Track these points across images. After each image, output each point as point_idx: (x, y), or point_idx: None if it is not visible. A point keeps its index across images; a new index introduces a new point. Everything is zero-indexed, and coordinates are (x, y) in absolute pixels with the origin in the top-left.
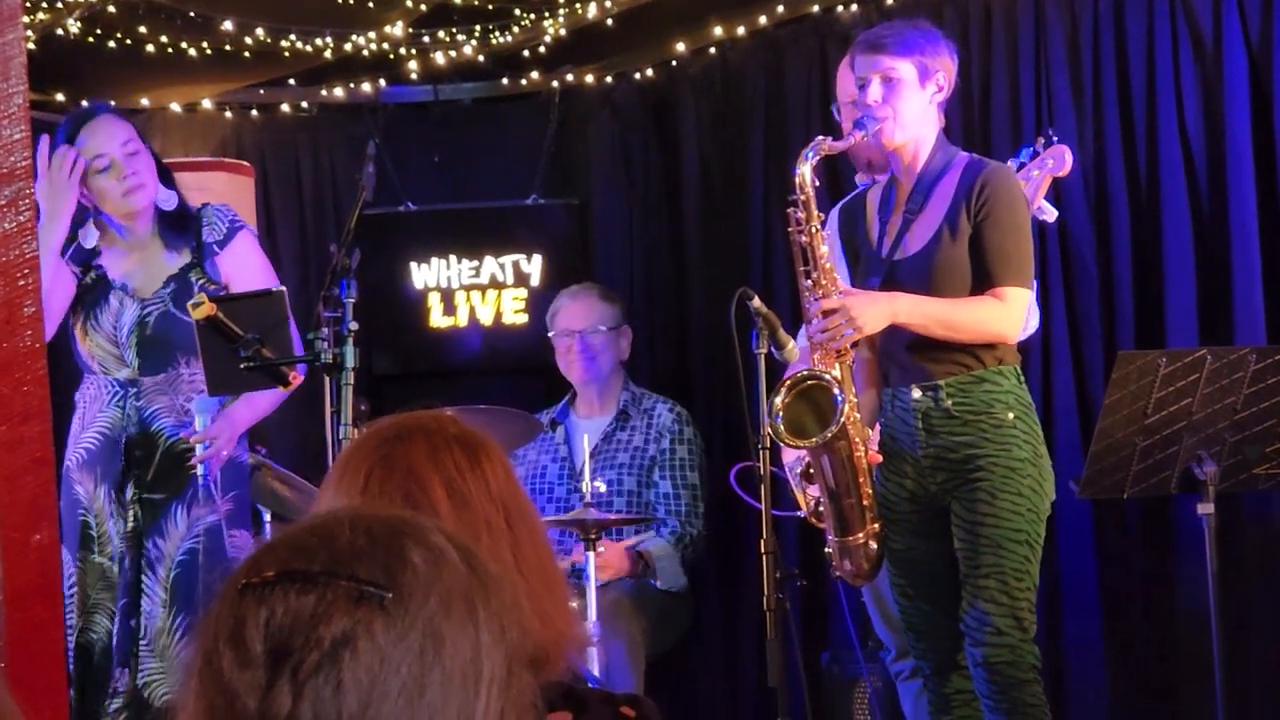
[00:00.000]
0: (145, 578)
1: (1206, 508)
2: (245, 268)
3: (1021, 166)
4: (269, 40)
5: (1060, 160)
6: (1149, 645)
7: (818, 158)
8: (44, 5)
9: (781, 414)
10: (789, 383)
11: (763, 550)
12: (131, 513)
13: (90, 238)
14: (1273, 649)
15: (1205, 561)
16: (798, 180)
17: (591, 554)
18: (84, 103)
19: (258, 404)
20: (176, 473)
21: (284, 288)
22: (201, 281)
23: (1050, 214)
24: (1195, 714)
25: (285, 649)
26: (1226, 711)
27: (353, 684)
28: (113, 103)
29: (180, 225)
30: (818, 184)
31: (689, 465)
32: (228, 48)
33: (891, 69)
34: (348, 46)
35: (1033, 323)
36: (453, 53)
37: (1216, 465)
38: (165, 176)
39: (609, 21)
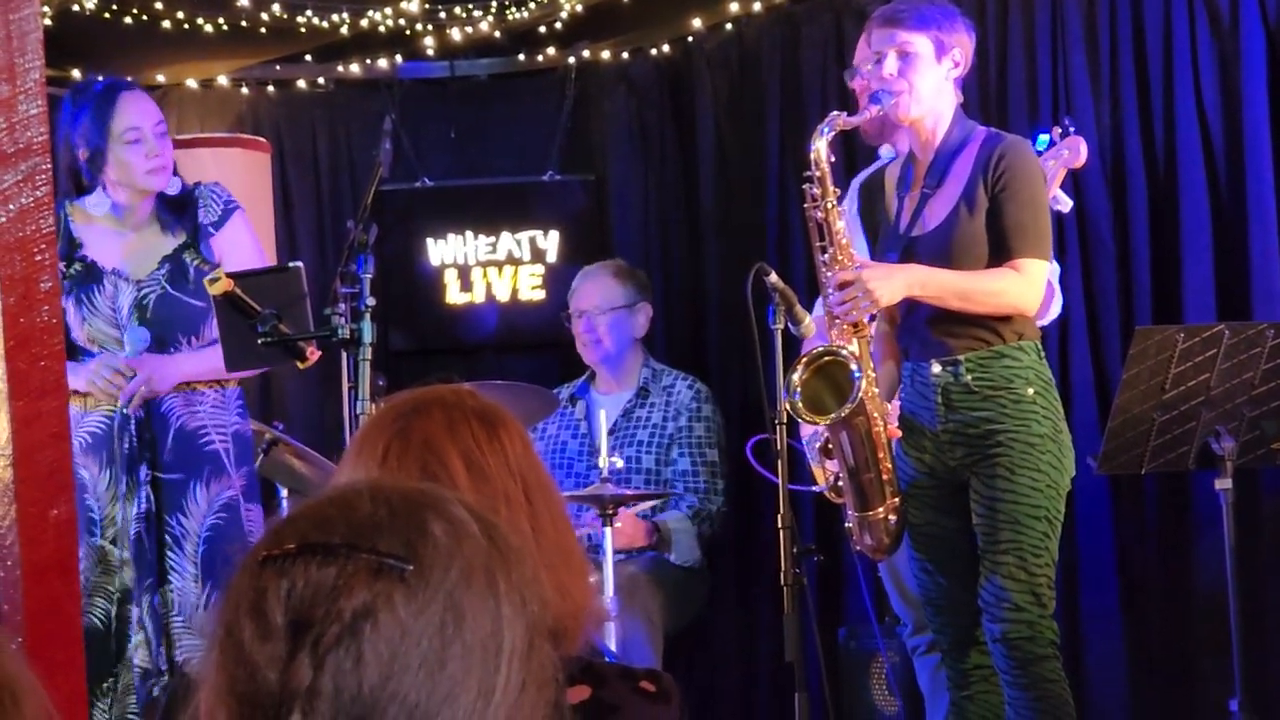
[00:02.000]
0: (172, 554)
1: (1224, 483)
2: (238, 247)
3: (1038, 156)
4: (285, 16)
5: (1076, 151)
6: (1167, 621)
7: (833, 133)
8: None
9: (800, 390)
10: (806, 359)
11: (780, 525)
12: (145, 493)
13: (102, 205)
14: None
15: (1223, 537)
16: (813, 156)
17: (609, 529)
18: (98, 77)
19: (205, 363)
20: (190, 451)
21: (300, 264)
22: (196, 263)
23: (1065, 204)
24: (1213, 689)
25: (306, 621)
26: (1244, 686)
27: (373, 656)
28: (130, 79)
29: (179, 208)
30: (833, 159)
31: (707, 442)
32: (244, 23)
33: (907, 43)
34: (364, 22)
35: (1056, 306)
36: (469, 28)
37: (1234, 441)
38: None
39: None
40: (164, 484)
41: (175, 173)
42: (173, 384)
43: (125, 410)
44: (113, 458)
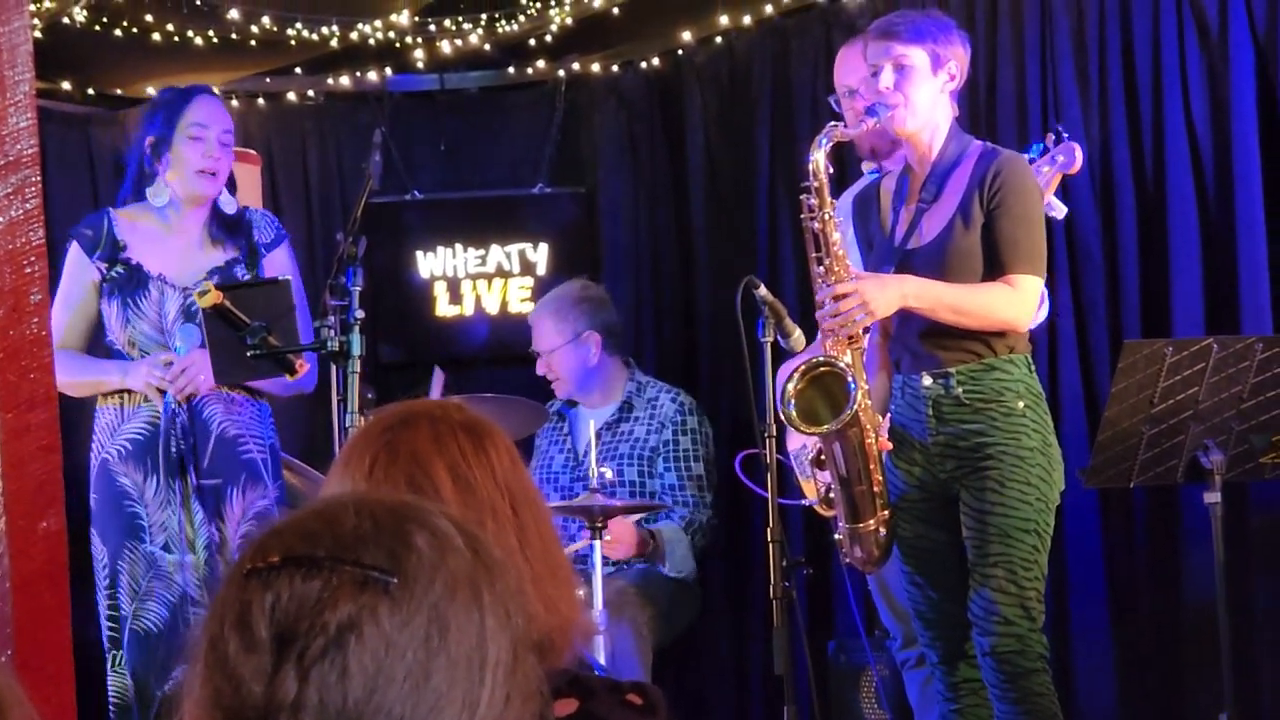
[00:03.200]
0: (214, 561)
1: (1213, 497)
2: (285, 273)
3: (1031, 162)
4: (275, 29)
5: (1070, 157)
6: (1156, 634)
7: (831, 144)
8: None
9: (794, 401)
10: (801, 369)
11: (769, 539)
12: (194, 499)
13: (162, 195)
14: (1279, 637)
15: (1211, 550)
16: (811, 167)
17: (597, 541)
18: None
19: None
20: (229, 458)
21: (290, 277)
22: (249, 277)
23: (1060, 210)
24: (1202, 702)
25: (291, 634)
26: (1233, 699)
27: (358, 669)
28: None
29: (233, 227)
30: (831, 171)
31: (693, 455)
32: (234, 36)
33: (903, 56)
34: (354, 35)
35: (1042, 313)
36: (459, 41)
37: (1223, 454)
38: (231, 184)
39: (615, 10)
40: (205, 490)
41: (232, 192)
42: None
43: (175, 405)
44: (157, 464)
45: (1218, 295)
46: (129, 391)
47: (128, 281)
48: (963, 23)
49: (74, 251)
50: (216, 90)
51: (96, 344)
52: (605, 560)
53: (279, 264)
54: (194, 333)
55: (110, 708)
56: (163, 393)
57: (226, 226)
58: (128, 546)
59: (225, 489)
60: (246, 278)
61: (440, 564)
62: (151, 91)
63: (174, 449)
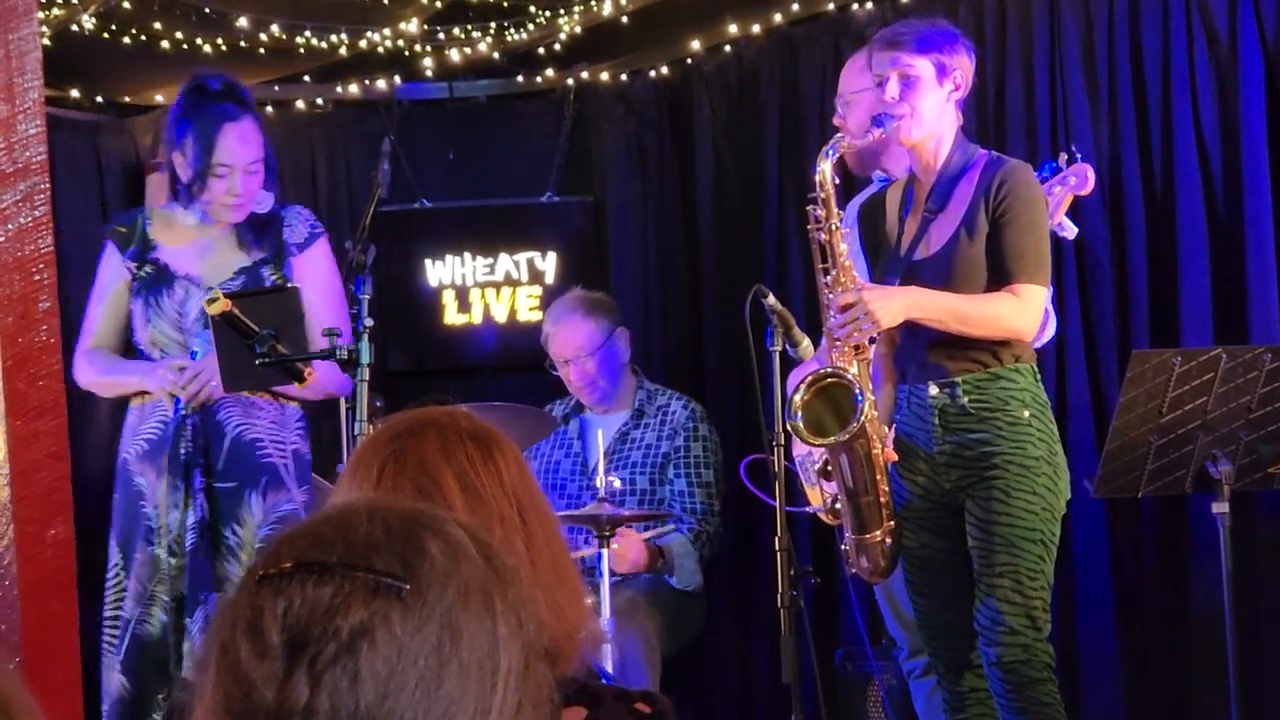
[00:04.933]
0: (228, 564)
1: (1221, 507)
2: (319, 271)
3: (1043, 182)
4: (284, 37)
5: (1083, 179)
6: (1163, 645)
7: (838, 155)
8: (59, 1)
9: (801, 411)
10: (809, 380)
11: (777, 548)
12: (200, 501)
13: (192, 216)
14: None
15: (1220, 561)
16: (818, 178)
17: (605, 550)
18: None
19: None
20: (247, 460)
21: (298, 285)
22: (275, 278)
23: (1071, 231)
24: (1209, 714)
25: (303, 640)
26: (1240, 711)
27: (370, 675)
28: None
29: (261, 228)
30: (838, 181)
31: (704, 463)
32: (242, 44)
33: (910, 66)
34: (363, 43)
35: (1050, 329)
36: (468, 50)
37: (1231, 464)
38: (271, 179)
39: (624, 19)
40: (218, 493)
41: (273, 189)
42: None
43: (184, 410)
44: (168, 465)
45: (1226, 305)
46: (149, 391)
47: (154, 280)
48: (971, 33)
49: (108, 249)
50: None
51: (130, 344)
52: (612, 572)
53: (310, 264)
54: (209, 339)
55: (104, 712)
56: (175, 396)
57: (257, 227)
58: (138, 549)
59: (243, 492)
60: (271, 280)
61: (453, 571)
62: (161, 99)
63: (182, 451)
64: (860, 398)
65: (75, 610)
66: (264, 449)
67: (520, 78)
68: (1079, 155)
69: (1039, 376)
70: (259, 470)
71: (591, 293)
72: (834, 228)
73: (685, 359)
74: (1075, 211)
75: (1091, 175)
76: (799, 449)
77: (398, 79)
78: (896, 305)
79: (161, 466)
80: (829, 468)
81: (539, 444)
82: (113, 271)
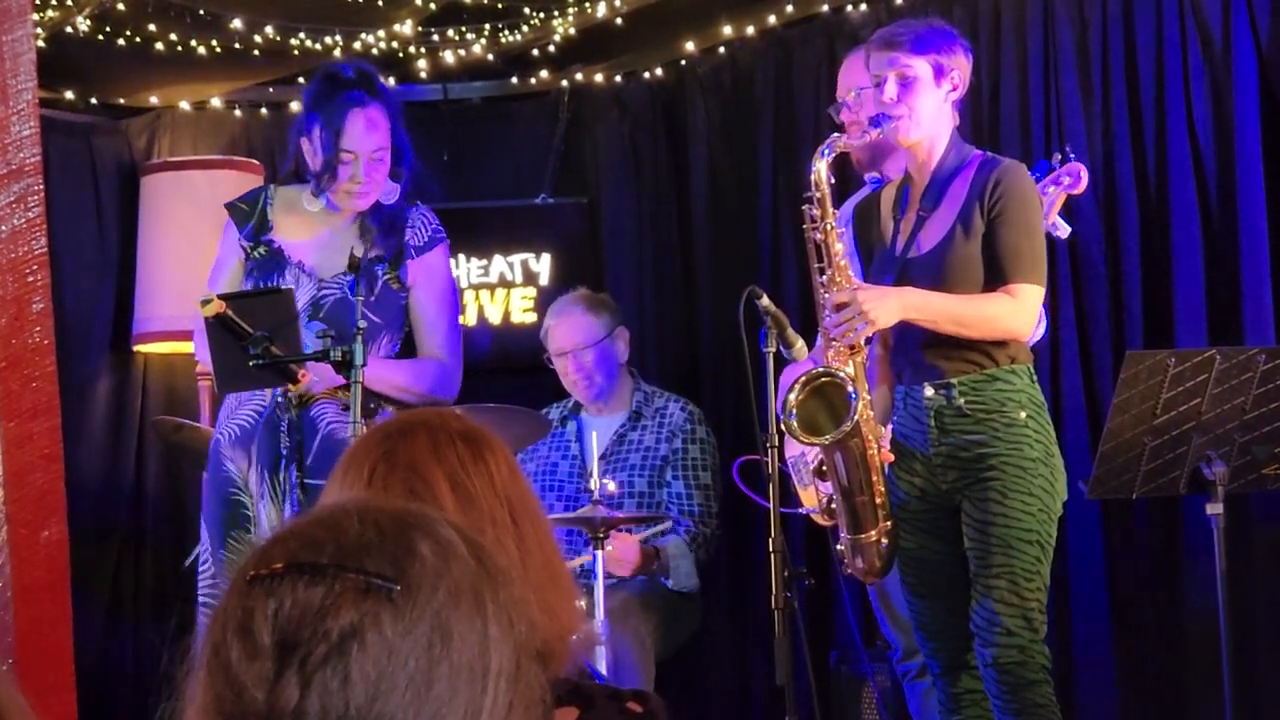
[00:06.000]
0: None
1: (1215, 508)
2: (436, 277)
3: (1036, 182)
4: (278, 38)
5: (1076, 178)
6: (1158, 646)
7: (833, 155)
8: (54, 2)
9: (795, 411)
10: (803, 379)
11: (771, 549)
12: (296, 496)
13: (316, 203)
14: None
15: (1214, 562)
16: (813, 177)
17: (600, 552)
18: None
19: (378, 371)
20: (336, 458)
21: (292, 287)
22: (388, 278)
23: (1064, 230)
24: (1204, 714)
25: (293, 641)
26: (1235, 712)
27: (360, 676)
28: (386, 83)
29: (389, 223)
30: (833, 181)
31: (701, 465)
32: (237, 46)
33: (907, 67)
34: (357, 45)
35: (1039, 331)
36: (462, 51)
37: (1225, 466)
38: (402, 166)
39: (618, 21)
40: (309, 489)
41: (399, 180)
42: (331, 385)
43: (279, 399)
44: (261, 455)
45: (1220, 306)
46: None
47: (267, 263)
48: (966, 33)
49: (228, 225)
50: (218, 101)
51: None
52: (608, 575)
53: (431, 267)
54: (316, 330)
55: None
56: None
57: (384, 221)
58: (233, 535)
59: None
60: (385, 279)
61: (444, 572)
62: (155, 101)
63: (280, 445)
64: (854, 396)
65: (69, 612)
66: None
67: (515, 79)
68: (1072, 155)
69: (1035, 377)
70: None
71: (595, 293)
72: (829, 227)
73: (680, 360)
74: (1069, 212)
75: (1085, 174)
76: (792, 450)
77: (392, 80)
78: (892, 305)
79: (251, 455)
80: (824, 468)
81: (537, 446)
82: (229, 247)
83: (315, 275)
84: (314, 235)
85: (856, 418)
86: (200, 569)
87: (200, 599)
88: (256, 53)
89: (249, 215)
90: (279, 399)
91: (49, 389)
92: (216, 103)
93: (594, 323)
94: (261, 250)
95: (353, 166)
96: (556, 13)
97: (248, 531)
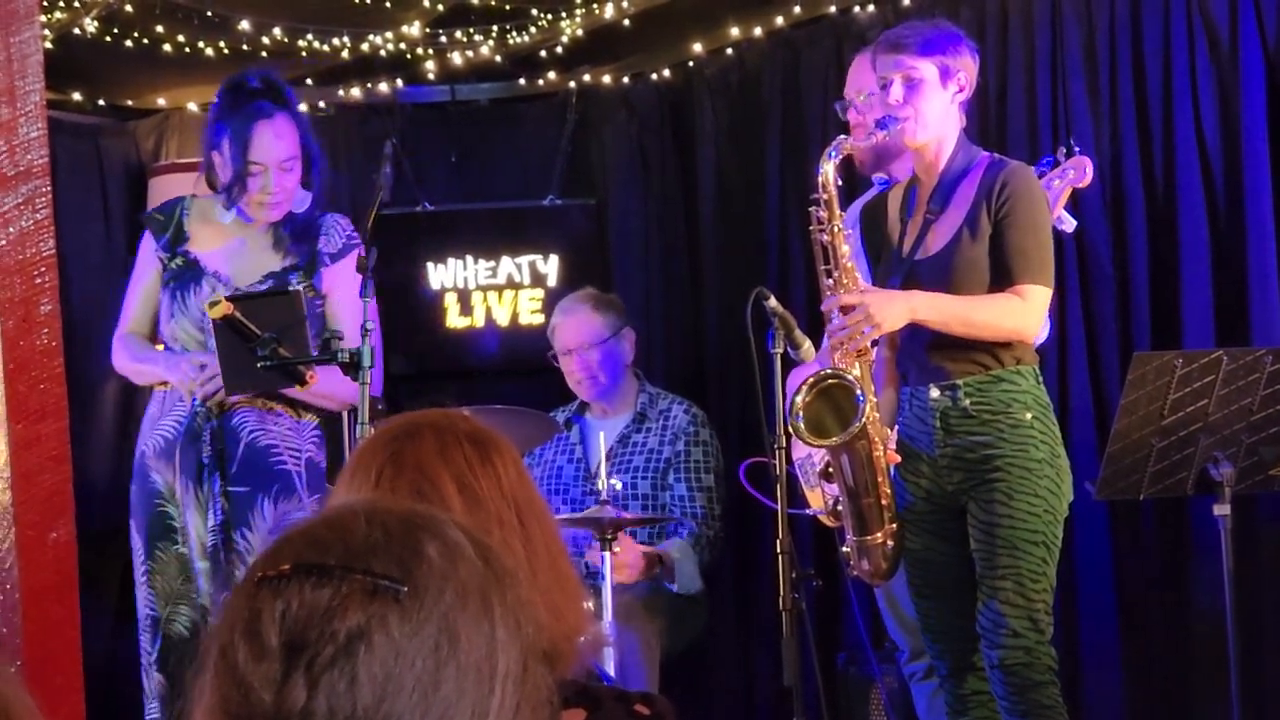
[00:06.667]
0: (237, 569)
1: (1223, 509)
2: (350, 283)
3: (1041, 175)
4: (286, 40)
5: (1081, 171)
6: (1165, 647)
7: (840, 156)
8: (61, 4)
9: (802, 413)
10: (810, 381)
11: (778, 550)
12: (219, 505)
13: (228, 215)
14: None
15: (1221, 563)
16: (820, 179)
17: (607, 554)
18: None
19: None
20: (260, 467)
21: (300, 288)
22: (303, 286)
23: (1069, 224)
24: (1211, 715)
25: (300, 642)
26: (1242, 712)
27: (367, 678)
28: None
29: (301, 231)
30: (840, 183)
31: (704, 467)
32: (245, 47)
33: (914, 69)
34: (365, 46)
35: (1043, 332)
36: (470, 53)
37: (1233, 466)
38: (310, 174)
39: (626, 22)
40: (232, 497)
41: (310, 187)
42: (334, 391)
43: (199, 409)
44: (184, 465)
45: (1228, 307)
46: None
47: (182, 274)
48: (973, 35)
49: (145, 236)
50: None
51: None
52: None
53: (341, 275)
54: None
55: (147, 709)
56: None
57: (296, 229)
58: (159, 547)
59: (255, 497)
60: (300, 287)
61: (451, 573)
62: (162, 103)
63: (203, 454)
64: (862, 398)
65: (77, 613)
66: (278, 456)
67: (522, 81)
68: (1078, 149)
69: (1041, 378)
70: (273, 477)
71: (603, 293)
72: (836, 229)
73: (687, 361)
74: (1076, 210)
75: (1090, 167)
76: (799, 451)
77: (400, 82)
78: (899, 308)
79: (176, 466)
80: (830, 469)
81: (541, 449)
82: (146, 259)
83: (231, 284)
84: (227, 245)
85: (864, 420)
86: (138, 583)
87: (140, 613)
88: (264, 54)
89: (165, 226)
90: (198, 408)
91: (57, 391)
92: None
93: (600, 321)
94: (179, 261)
95: (262, 178)
96: (564, 14)
97: (174, 543)
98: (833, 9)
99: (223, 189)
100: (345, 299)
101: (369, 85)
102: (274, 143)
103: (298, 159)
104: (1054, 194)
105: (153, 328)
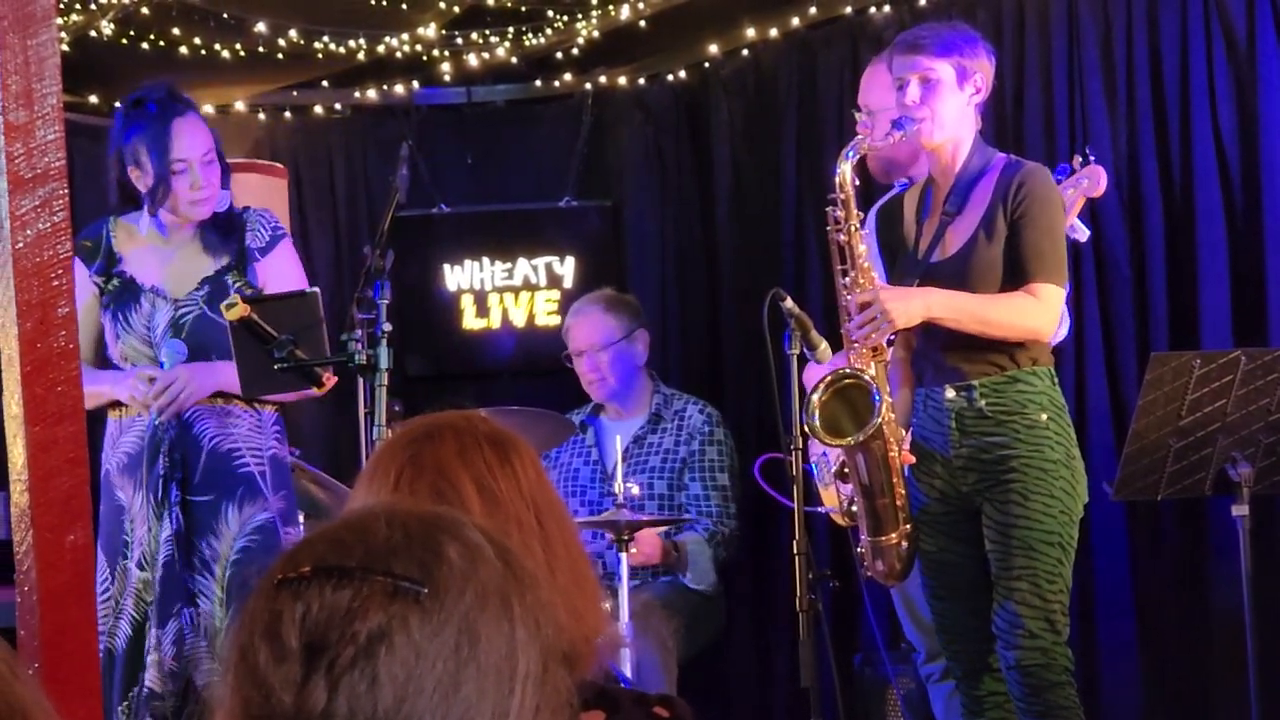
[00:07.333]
0: (200, 578)
1: (1241, 509)
2: (283, 276)
3: (1057, 184)
4: (302, 42)
5: (1096, 181)
6: (1183, 647)
7: (858, 156)
8: (78, 6)
9: (818, 412)
10: (826, 380)
11: (795, 551)
12: (175, 514)
13: (145, 225)
14: None
15: (1240, 563)
16: (838, 179)
17: (624, 555)
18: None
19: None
20: (223, 473)
21: (317, 289)
22: (239, 285)
23: (1083, 233)
24: (1229, 716)
25: (321, 644)
26: (1260, 713)
27: (388, 679)
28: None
29: (226, 229)
30: (857, 183)
31: (719, 466)
32: (261, 49)
33: (930, 70)
34: (381, 48)
35: (1062, 330)
36: (486, 54)
37: (1251, 467)
38: (225, 178)
39: (641, 23)
40: (194, 506)
41: (228, 187)
42: (209, 391)
43: (158, 421)
44: (144, 479)
45: (1246, 308)
46: (124, 405)
47: (121, 294)
48: (990, 36)
49: (76, 265)
50: (242, 105)
51: (105, 357)
52: (631, 571)
53: (276, 267)
54: (179, 348)
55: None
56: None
57: (219, 230)
58: (118, 565)
59: (220, 504)
60: (235, 286)
61: (471, 575)
62: None
63: (161, 466)
64: (878, 398)
65: (95, 616)
66: (241, 459)
67: (538, 82)
68: (1093, 158)
69: (1056, 379)
70: (236, 482)
71: (619, 294)
72: (853, 229)
73: (703, 362)
74: (1092, 213)
75: (1104, 177)
76: (816, 448)
77: (416, 84)
78: (914, 306)
79: (139, 480)
80: (845, 469)
81: (557, 452)
82: (81, 287)
83: (169, 296)
84: (160, 258)
85: (880, 419)
86: (99, 600)
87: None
88: (280, 56)
89: (95, 252)
90: (156, 419)
91: (74, 393)
92: (240, 106)
93: (611, 323)
94: (115, 283)
95: (189, 174)
96: (580, 15)
97: (125, 558)
98: (848, 10)
99: (145, 199)
100: (282, 290)
101: (385, 87)
102: (193, 137)
103: (214, 151)
104: (1068, 202)
105: (96, 353)
